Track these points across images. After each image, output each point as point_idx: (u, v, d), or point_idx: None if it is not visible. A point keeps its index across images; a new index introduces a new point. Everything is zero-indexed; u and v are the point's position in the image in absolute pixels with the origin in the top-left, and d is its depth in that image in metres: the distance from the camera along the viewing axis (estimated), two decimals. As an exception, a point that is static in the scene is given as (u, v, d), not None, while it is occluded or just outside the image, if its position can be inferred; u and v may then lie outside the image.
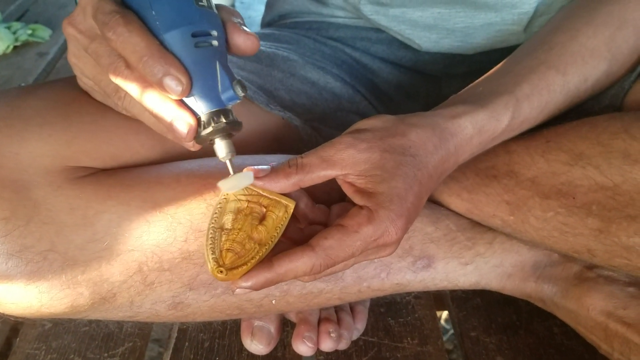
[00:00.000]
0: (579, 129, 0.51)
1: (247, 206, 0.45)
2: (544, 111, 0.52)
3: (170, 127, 0.40)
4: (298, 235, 0.47)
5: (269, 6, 0.86)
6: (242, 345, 0.61)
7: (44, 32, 1.39)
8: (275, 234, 0.45)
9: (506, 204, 0.54)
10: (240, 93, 0.42)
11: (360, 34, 0.76)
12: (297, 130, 0.66)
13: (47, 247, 0.46)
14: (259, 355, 0.61)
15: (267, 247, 0.44)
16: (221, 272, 0.42)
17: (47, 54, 1.32)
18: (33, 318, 0.50)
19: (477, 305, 0.68)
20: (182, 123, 0.39)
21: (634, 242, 0.46)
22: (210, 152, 0.44)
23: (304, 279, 0.44)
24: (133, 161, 0.51)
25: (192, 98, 0.40)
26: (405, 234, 0.56)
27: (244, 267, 0.42)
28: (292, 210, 0.46)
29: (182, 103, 0.40)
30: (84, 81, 0.47)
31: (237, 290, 0.42)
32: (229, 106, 0.42)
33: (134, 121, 0.45)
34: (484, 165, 0.56)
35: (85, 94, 0.49)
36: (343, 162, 0.44)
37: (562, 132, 0.52)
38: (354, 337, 0.63)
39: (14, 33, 1.35)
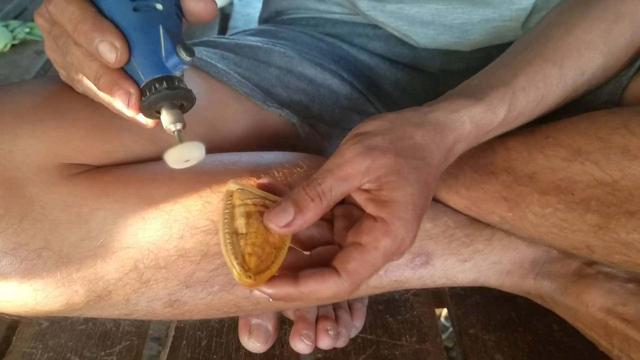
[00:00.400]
0: (577, 125, 0.51)
1: (256, 210, 0.43)
2: (540, 104, 0.52)
3: (113, 98, 0.38)
4: (303, 237, 0.47)
5: (265, 3, 0.85)
6: (239, 343, 0.60)
7: (41, 31, 1.39)
8: (287, 237, 0.44)
9: (504, 200, 0.54)
10: (186, 57, 0.39)
11: (358, 30, 0.76)
12: (295, 127, 0.66)
13: (41, 244, 0.46)
14: (256, 354, 0.61)
15: (282, 250, 0.43)
16: (249, 277, 0.40)
17: (44, 52, 1.32)
18: (28, 316, 0.50)
19: (476, 302, 0.68)
20: (122, 92, 0.38)
21: (633, 238, 0.46)
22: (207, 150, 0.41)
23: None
24: (127, 158, 0.51)
25: (133, 66, 0.38)
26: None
27: (268, 271, 0.41)
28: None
29: (124, 73, 0.38)
30: (61, 73, 0.46)
31: (256, 292, 0.41)
32: (177, 73, 0.39)
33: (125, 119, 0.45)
34: (482, 161, 0.56)
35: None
36: (361, 174, 0.42)
37: (560, 128, 0.52)
38: (352, 335, 0.62)
39: (12, 31, 1.34)
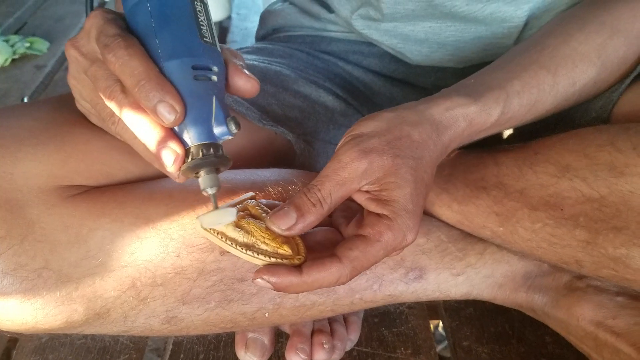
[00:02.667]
0: (566, 142, 0.52)
1: (237, 220, 0.45)
2: (531, 110, 0.53)
3: (157, 154, 0.40)
4: None
5: (263, 20, 0.87)
6: (236, 357, 0.61)
7: (41, 45, 1.40)
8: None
9: (495, 215, 0.54)
10: (234, 130, 0.42)
11: (353, 48, 0.77)
12: (290, 144, 0.67)
13: (42, 264, 0.47)
14: (253, 367, 0.62)
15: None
16: (300, 259, 0.43)
17: (44, 66, 1.33)
18: (28, 333, 0.50)
19: (469, 314, 0.69)
20: (169, 151, 0.39)
21: (621, 253, 0.47)
22: None
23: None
24: (127, 179, 0.52)
25: (183, 128, 0.40)
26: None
27: (302, 247, 0.44)
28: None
29: (172, 133, 0.40)
30: (82, 104, 0.48)
31: (259, 280, 0.42)
32: (220, 142, 0.42)
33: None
34: (474, 176, 0.57)
35: (78, 113, 0.50)
36: (359, 178, 0.44)
37: (549, 145, 0.53)
38: (348, 348, 0.63)
39: (12, 46, 1.36)
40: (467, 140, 0.51)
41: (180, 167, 0.40)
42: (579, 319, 0.56)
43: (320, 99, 0.72)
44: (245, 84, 0.44)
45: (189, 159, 0.40)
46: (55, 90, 1.27)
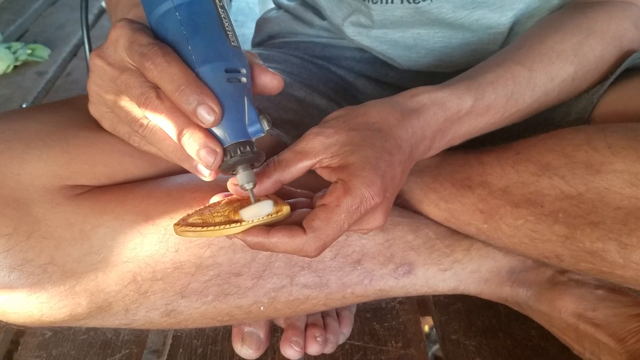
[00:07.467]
0: (546, 142, 0.54)
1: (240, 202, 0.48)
2: (510, 100, 0.55)
3: (197, 155, 0.42)
4: None
5: (258, 27, 0.89)
6: (233, 350, 0.63)
7: (43, 52, 1.42)
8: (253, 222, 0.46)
9: (480, 212, 0.57)
10: (266, 127, 0.44)
11: (345, 53, 0.79)
12: (286, 145, 0.69)
13: (47, 260, 0.49)
14: (249, 360, 0.64)
15: (237, 224, 0.45)
16: (177, 223, 0.46)
17: (46, 72, 1.36)
18: (34, 326, 0.53)
19: (458, 309, 0.71)
20: (210, 151, 0.41)
21: (597, 247, 0.49)
22: None
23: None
24: (127, 179, 0.54)
25: (220, 129, 0.43)
26: (387, 242, 0.59)
27: (198, 231, 0.45)
28: (284, 213, 0.47)
29: (210, 134, 0.43)
30: (98, 109, 0.49)
31: (236, 240, 0.46)
32: (253, 139, 0.44)
33: (128, 145, 0.49)
34: (460, 176, 0.59)
35: (82, 117, 0.52)
36: (315, 150, 0.46)
37: (530, 145, 0.56)
38: (340, 342, 0.65)
39: (14, 53, 1.38)
40: (447, 125, 0.52)
41: (219, 166, 0.43)
42: (561, 311, 0.58)
43: (315, 102, 0.74)
44: (272, 81, 0.47)
45: (227, 157, 0.43)
46: (56, 96, 1.29)
